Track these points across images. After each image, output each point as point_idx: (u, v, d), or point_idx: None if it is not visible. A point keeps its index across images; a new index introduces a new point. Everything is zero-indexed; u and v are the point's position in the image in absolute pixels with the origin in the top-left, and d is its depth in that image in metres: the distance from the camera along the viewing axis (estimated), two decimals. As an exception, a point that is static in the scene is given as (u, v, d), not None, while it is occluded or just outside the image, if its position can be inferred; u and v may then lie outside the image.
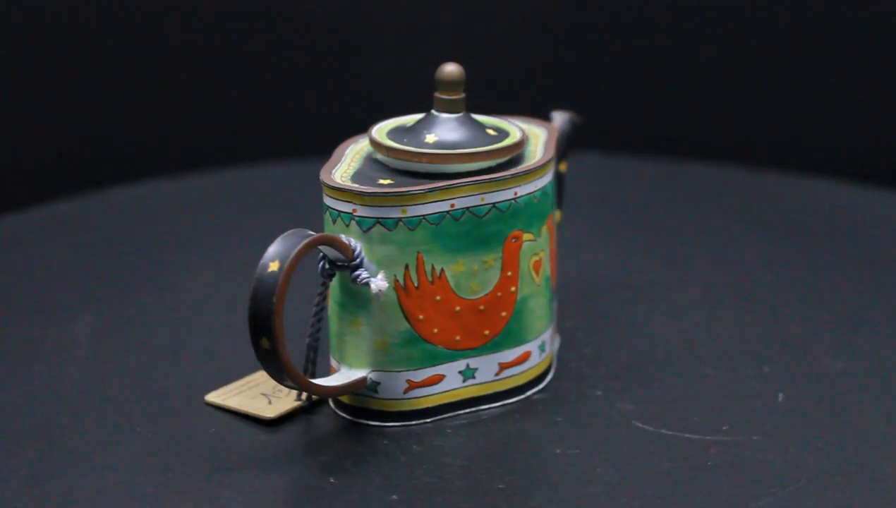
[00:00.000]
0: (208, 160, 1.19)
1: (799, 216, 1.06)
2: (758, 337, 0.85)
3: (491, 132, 0.76)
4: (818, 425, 0.75)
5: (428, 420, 0.75)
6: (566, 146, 0.86)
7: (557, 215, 0.85)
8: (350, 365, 0.75)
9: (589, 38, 1.27)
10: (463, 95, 0.76)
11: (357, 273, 0.72)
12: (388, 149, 0.75)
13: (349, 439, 0.74)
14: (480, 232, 0.74)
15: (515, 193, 0.74)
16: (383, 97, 1.21)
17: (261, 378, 0.79)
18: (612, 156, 1.19)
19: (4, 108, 1.19)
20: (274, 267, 0.69)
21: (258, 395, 0.78)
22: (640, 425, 0.75)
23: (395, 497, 0.69)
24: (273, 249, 0.70)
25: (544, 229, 0.77)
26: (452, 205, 0.73)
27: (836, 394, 0.78)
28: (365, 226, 0.72)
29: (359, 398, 0.75)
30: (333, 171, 0.74)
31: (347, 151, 0.78)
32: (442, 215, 0.73)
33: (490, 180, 0.73)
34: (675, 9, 1.25)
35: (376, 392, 0.75)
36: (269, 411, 0.76)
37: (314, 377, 0.76)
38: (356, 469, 0.71)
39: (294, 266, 0.69)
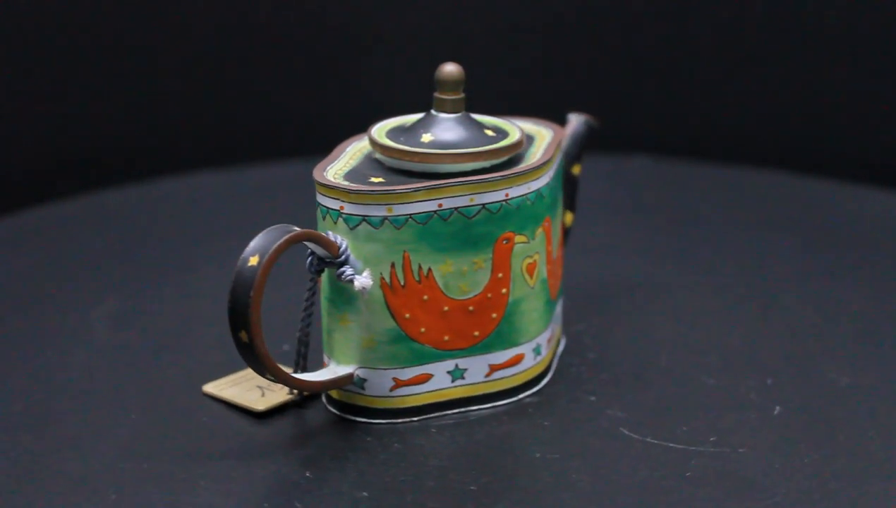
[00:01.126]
0: (208, 160, 1.20)
1: (831, 223, 1.04)
2: (766, 348, 0.83)
3: (489, 133, 0.76)
4: (810, 440, 0.73)
5: (415, 418, 0.75)
6: (580, 149, 0.85)
7: (568, 218, 0.85)
8: (338, 361, 0.75)
9: (592, 39, 1.25)
10: (462, 95, 0.76)
11: (342, 270, 0.73)
12: (383, 148, 0.75)
13: (334, 434, 0.74)
14: (469, 232, 0.74)
15: (507, 195, 0.74)
16: (383, 97, 1.21)
17: (259, 370, 0.80)
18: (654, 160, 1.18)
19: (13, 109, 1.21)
20: (253, 261, 0.70)
21: (253, 388, 0.78)
22: (626, 432, 0.74)
23: (365, 493, 0.69)
24: (254, 243, 0.70)
25: (539, 231, 0.76)
26: (440, 205, 0.73)
27: (835, 410, 0.76)
28: (352, 224, 0.72)
29: (347, 394, 0.76)
30: (328, 168, 0.75)
31: (348, 149, 0.78)
32: (429, 215, 0.73)
33: (479, 181, 0.73)
34: (697, 10, 1.23)
35: (363, 388, 0.75)
36: (261, 403, 0.77)
37: (305, 371, 0.76)
38: (333, 465, 0.72)
39: (273, 261, 0.70)
